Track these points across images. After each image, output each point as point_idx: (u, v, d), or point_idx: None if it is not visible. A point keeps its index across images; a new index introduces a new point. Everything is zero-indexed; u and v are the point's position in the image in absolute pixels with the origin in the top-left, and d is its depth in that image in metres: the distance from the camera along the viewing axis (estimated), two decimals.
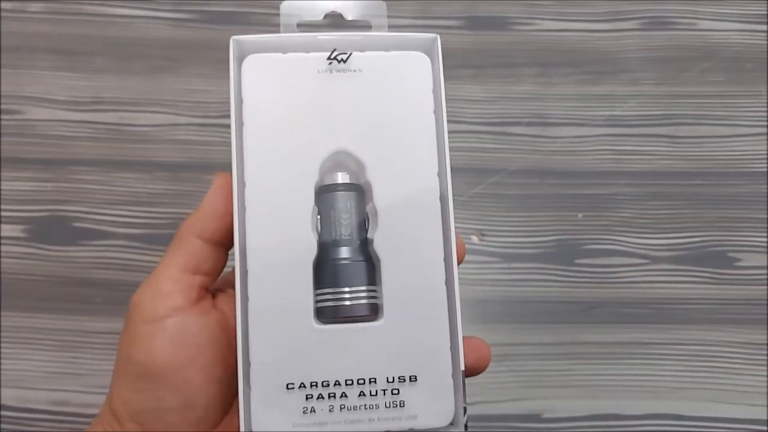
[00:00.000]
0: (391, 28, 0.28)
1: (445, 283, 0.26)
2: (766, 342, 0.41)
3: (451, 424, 0.26)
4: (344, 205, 0.26)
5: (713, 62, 0.47)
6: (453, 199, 0.27)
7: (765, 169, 0.45)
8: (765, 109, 0.46)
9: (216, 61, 0.46)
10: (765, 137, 0.45)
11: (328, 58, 0.26)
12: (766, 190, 0.44)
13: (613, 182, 0.44)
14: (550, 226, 0.43)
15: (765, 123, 0.45)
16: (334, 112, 0.26)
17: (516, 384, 0.41)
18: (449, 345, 0.26)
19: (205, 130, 0.45)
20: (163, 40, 0.47)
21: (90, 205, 0.43)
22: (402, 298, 0.26)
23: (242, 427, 0.24)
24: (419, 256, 0.26)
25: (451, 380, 0.26)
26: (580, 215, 0.44)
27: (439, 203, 0.26)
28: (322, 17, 0.28)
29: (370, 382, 0.25)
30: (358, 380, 0.25)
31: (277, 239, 0.25)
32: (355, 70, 0.27)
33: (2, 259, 0.42)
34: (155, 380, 0.24)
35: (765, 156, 0.45)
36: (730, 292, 0.42)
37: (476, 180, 0.44)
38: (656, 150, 0.45)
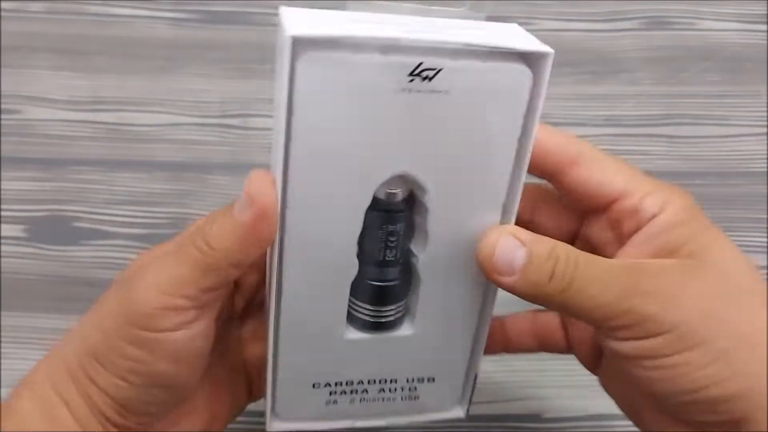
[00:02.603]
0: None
1: (479, 312, 0.26)
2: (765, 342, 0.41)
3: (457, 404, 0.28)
4: (395, 227, 0.24)
5: (713, 62, 0.47)
6: None
7: (764, 169, 0.45)
8: (764, 109, 0.46)
9: (216, 61, 0.46)
10: (764, 137, 0.45)
11: (410, 74, 0.20)
12: (765, 190, 0.44)
13: None
14: None
15: (764, 123, 0.45)
16: (404, 137, 0.21)
17: (515, 384, 0.41)
18: (469, 355, 0.27)
19: (205, 130, 0.45)
20: (163, 40, 0.47)
21: (90, 205, 0.43)
22: (436, 316, 0.26)
23: (268, 417, 0.26)
24: (461, 284, 0.25)
25: (464, 379, 0.28)
26: None
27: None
28: None
29: (390, 381, 0.27)
30: (379, 380, 0.27)
31: (318, 251, 0.23)
32: (440, 92, 0.21)
33: (2, 259, 0.42)
34: (150, 380, 0.23)
35: (764, 156, 0.45)
36: None
37: None
38: (656, 150, 0.45)
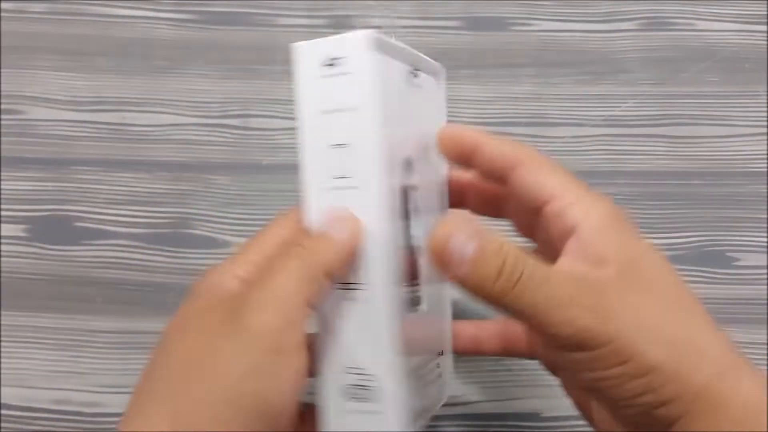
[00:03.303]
0: (391, 28, 0.30)
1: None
2: (765, 342, 0.42)
3: None
4: (411, 205, 0.29)
5: (711, 62, 0.47)
6: None
7: (764, 169, 0.45)
8: (764, 109, 0.46)
9: (217, 61, 0.46)
10: (764, 137, 0.45)
11: (411, 72, 0.29)
12: (764, 190, 0.44)
13: (612, 182, 0.44)
14: None
15: (764, 123, 0.46)
16: (411, 121, 0.29)
17: (514, 383, 0.41)
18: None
19: (206, 130, 0.45)
20: (164, 41, 0.47)
21: (91, 205, 0.43)
22: (432, 292, 0.31)
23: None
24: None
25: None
26: None
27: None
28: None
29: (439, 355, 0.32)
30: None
31: (394, 235, 0.26)
32: (421, 87, 0.30)
33: (3, 259, 0.42)
34: (265, 415, 0.22)
35: (764, 156, 0.45)
36: (728, 291, 0.42)
37: None
38: (655, 150, 0.45)
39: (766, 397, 0.23)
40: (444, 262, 0.23)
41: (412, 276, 0.29)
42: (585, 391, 0.26)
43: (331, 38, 0.26)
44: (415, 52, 0.29)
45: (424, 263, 0.29)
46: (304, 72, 0.26)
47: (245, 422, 0.22)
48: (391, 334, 0.25)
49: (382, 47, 0.26)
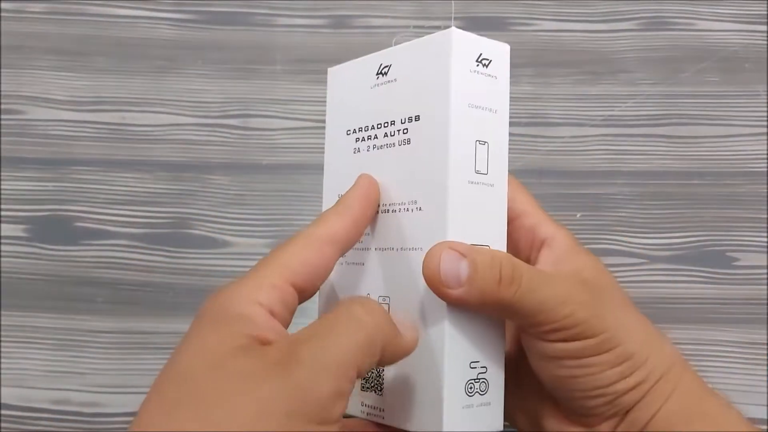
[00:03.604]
0: (391, 28, 0.30)
1: None
2: (765, 341, 0.41)
3: None
4: None
5: (711, 62, 0.47)
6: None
7: (763, 169, 0.45)
8: (763, 109, 0.46)
9: (217, 62, 0.46)
10: (764, 137, 0.45)
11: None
12: (764, 190, 0.44)
13: (612, 182, 0.44)
14: None
15: (763, 123, 0.46)
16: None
17: None
18: None
19: (206, 130, 0.45)
20: (164, 41, 0.47)
21: (91, 205, 0.43)
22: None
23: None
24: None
25: None
26: (578, 215, 0.44)
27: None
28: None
29: None
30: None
31: None
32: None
33: (3, 259, 0.42)
34: None
35: (764, 156, 0.45)
36: (728, 291, 0.42)
37: None
38: (654, 150, 0.45)
39: (703, 385, 0.28)
40: (442, 287, 0.24)
41: None
42: (551, 391, 0.28)
43: (486, 39, 0.27)
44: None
45: None
46: (458, 60, 0.26)
47: None
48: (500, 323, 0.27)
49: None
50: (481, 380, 0.26)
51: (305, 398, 0.19)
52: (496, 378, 0.27)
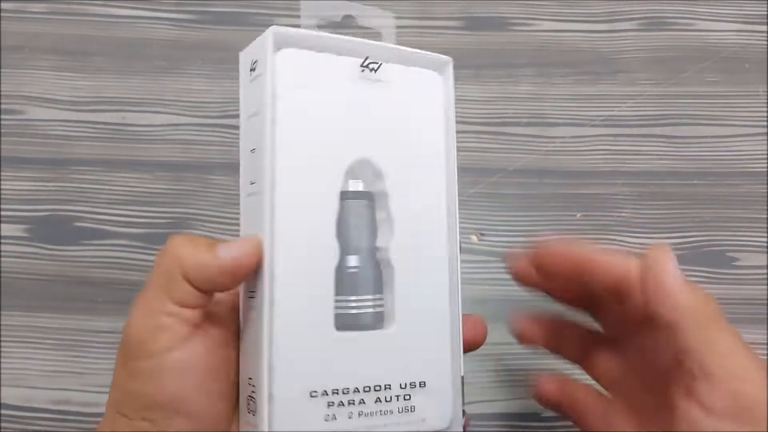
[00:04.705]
0: (385, 8, 0.29)
1: (449, 297, 0.28)
2: (765, 341, 0.42)
3: (451, 423, 0.28)
4: (356, 213, 0.27)
5: (711, 62, 0.47)
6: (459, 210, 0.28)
7: (763, 169, 0.45)
8: (763, 109, 0.46)
9: (217, 62, 0.46)
10: (763, 137, 0.45)
11: (362, 65, 0.27)
12: (764, 190, 0.44)
13: (612, 182, 0.44)
14: (549, 226, 0.43)
15: (763, 123, 0.46)
16: (361, 120, 0.26)
17: (514, 383, 0.41)
18: (451, 350, 0.28)
19: (206, 130, 0.45)
20: (164, 41, 0.47)
21: (91, 205, 0.43)
22: (412, 307, 0.27)
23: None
24: (428, 266, 0.27)
25: (452, 385, 0.28)
26: (578, 215, 0.44)
27: (446, 219, 0.28)
28: (341, 18, 0.28)
29: (384, 388, 0.26)
30: (374, 386, 0.26)
31: (304, 244, 0.25)
32: (383, 81, 0.27)
33: (3, 259, 0.42)
34: (163, 409, 0.24)
35: (764, 156, 0.45)
36: (728, 291, 0.42)
37: (475, 180, 0.44)
38: (654, 150, 0.45)
39: None
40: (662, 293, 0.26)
41: (369, 290, 0.27)
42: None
43: (255, 41, 0.25)
44: (377, 43, 0.27)
45: (402, 278, 0.27)
46: (241, 78, 0.26)
47: (136, 414, 0.24)
48: (271, 345, 0.24)
49: (299, 43, 0.25)
50: (254, 400, 0.25)
51: (126, 340, 0.24)
52: (262, 404, 0.24)
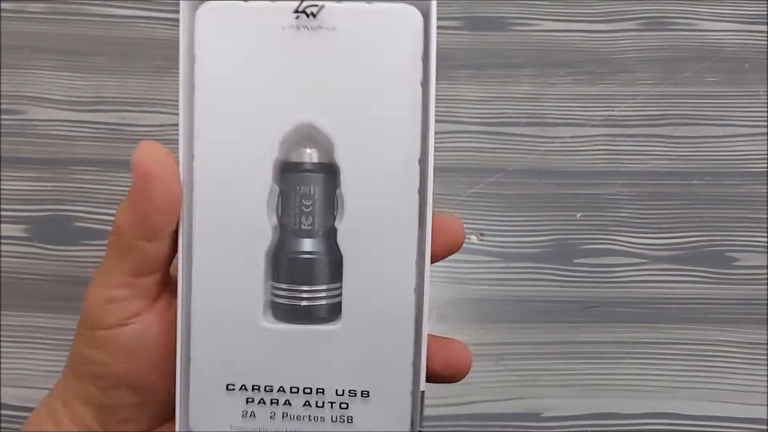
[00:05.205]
0: None
1: (414, 290, 0.22)
2: (765, 341, 0.42)
3: None
4: (308, 188, 0.23)
5: (711, 62, 0.47)
6: (434, 194, 0.22)
7: (763, 169, 0.45)
8: (763, 109, 0.46)
9: None
10: (763, 137, 0.45)
11: (295, 11, 0.22)
12: (764, 190, 0.44)
13: (611, 182, 0.44)
14: (549, 226, 0.43)
15: (763, 123, 0.46)
16: (300, 79, 0.22)
17: (514, 383, 0.41)
18: (411, 361, 0.23)
19: None
20: (163, 41, 0.47)
21: (91, 205, 0.43)
22: (363, 302, 0.22)
23: (178, 427, 0.23)
24: (388, 256, 0.22)
25: (409, 399, 0.23)
26: (578, 215, 0.44)
27: (417, 196, 0.22)
28: None
29: (317, 392, 0.23)
30: (304, 389, 0.23)
31: (227, 223, 0.22)
32: (327, 28, 0.22)
33: (3, 259, 0.43)
34: (112, 379, 0.23)
35: (764, 156, 0.45)
36: (728, 291, 0.42)
37: (474, 180, 0.44)
38: (654, 150, 0.45)
39: None
40: None
41: (306, 279, 0.23)
42: None
43: None
44: None
45: (351, 266, 0.22)
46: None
47: (87, 381, 0.24)
48: (189, 334, 0.23)
49: None
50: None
51: (83, 313, 0.23)
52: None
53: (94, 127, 0.45)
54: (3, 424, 0.40)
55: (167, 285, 0.24)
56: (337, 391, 0.23)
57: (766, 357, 0.41)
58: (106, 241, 0.46)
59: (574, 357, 0.41)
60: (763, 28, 0.48)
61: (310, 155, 0.23)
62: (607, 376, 0.41)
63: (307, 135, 0.22)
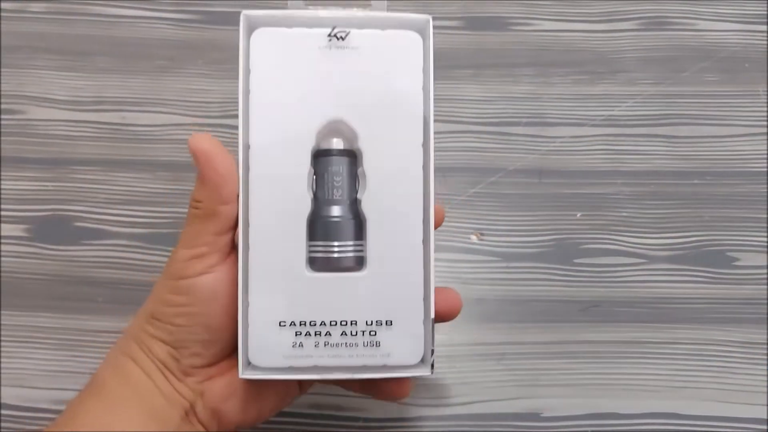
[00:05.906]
0: (390, 8, 0.30)
1: (422, 242, 0.29)
2: (765, 341, 0.42)
3: (421, 361, 0.30)
4: (337, 168, 0.30)
5: (711, 62, 0.47)
6: (435, 176, 0.30)
7: (763, 169, 0.45)
8: (764, 109, 0.46)
9: (218, 62, 0.46)
10: (763, 137, 0.45)
11: (328, 35, 0.29)
12: (764, 190, 0.44)
13: (612, 182, 0.44)
14: (549, 226, 0.43)
15: (764, 123, 0.46)
16: (331, 85, 0.29)
17: (514, 383, 0.41)
18: (423, 296, 0.29)
19: (207, 130, 0.45)
20: (165, 41, 0.47)
21: (91, 205, 0.43)
22: (384, 253, 0.29)
23: (240, 358, 0.28)
24: (401, 218, 0.29)
25: (422, 326, 0.29)
26: (578, 215, 0.44)
27: (422, 172, 0.29)
28: None
29: (351, 323, 0.29)
30: (341, 321, 0.29)
31: (276, 196, 0.29)
32: (352, 48, 0.29)
33: (4, 259, 0.43)
34: (192, 319, 0.29)
35: (764, 156, 0.45)
36: (728, 291, 0.42)
37: (475, 180, 0.44)
38: (654, 150, 0.45)
39: None
40: None
41: (338, 237, 0.30)
42: None
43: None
44: (348, 13, 0.30)
45: (374, 227, 0.29)
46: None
47: (168, 319, 0.29)
48: (247, 284, 0.29)
49: (270, 22, 0.30)
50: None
51: (170, 266, 0.29)
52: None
53: (94, 127, 0.45)
54: (3, 424, 0.40)
55: (235, 244, 0.29)
56: (366, 321, 0.29)
57: (766, 357, 0.41)
58: (106, 241, 0.46)
59: (575, 357, 0.41)
60: (764, 28, 0.48)
61: (337, 143, 0.30)
62: (607, 376, 0.41)
63: (336, 128, 0.30)
